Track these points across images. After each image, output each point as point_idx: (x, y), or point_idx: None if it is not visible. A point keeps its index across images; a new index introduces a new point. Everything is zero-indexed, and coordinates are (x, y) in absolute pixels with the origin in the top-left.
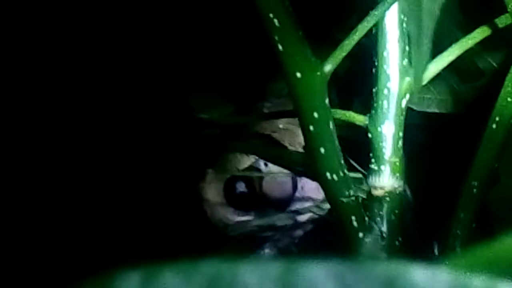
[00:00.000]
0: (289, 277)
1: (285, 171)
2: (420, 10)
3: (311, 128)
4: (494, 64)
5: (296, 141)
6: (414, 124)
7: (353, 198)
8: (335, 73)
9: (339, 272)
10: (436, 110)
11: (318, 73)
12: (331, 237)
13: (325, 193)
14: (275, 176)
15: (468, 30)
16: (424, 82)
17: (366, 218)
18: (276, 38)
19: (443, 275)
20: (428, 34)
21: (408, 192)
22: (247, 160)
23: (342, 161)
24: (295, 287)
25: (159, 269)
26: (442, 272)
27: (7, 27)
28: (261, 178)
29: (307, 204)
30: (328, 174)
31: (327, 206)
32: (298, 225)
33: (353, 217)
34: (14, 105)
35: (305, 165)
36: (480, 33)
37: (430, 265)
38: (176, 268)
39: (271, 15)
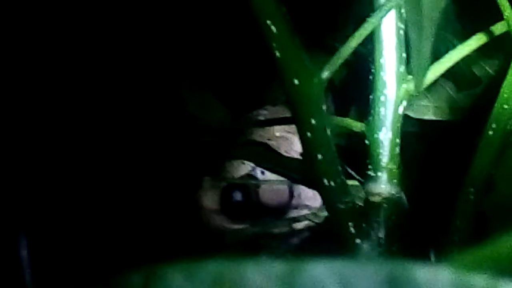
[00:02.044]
0: (293, 276)
1: (282, 178)
2: (421, 16)
3: (308, 134)
4: (491, 71)
5: (292, 149)
6: (411, 132)
7: (350, 204)
8: (332, 81)
9: (342, 272)
10: (433, 117)
11: (316, 80)
12: (327, 245)
13: (323, 200)
14: (271, 184)
15: (465, 37)
16: (421, 88)
17: (364, 224)
18: (274, 45)
19: (445, 274)
20: (429, 39)
21: (405, 198)
22: (243, 168)
23: (339, 168)
24: (299, 286)
25: (162, 268)
26: (444, 271)
27: (7, 27)
28: (258, 186)
29: (304, 212)
30: (325, 181)
31: (323, 213)
32: (294, 232)
33: (350, 223)
34: (12, 105)
35: (302, 171)
36: (476, 40)
37: (432, 264)
38: (180, 267)
39: (268, 22)
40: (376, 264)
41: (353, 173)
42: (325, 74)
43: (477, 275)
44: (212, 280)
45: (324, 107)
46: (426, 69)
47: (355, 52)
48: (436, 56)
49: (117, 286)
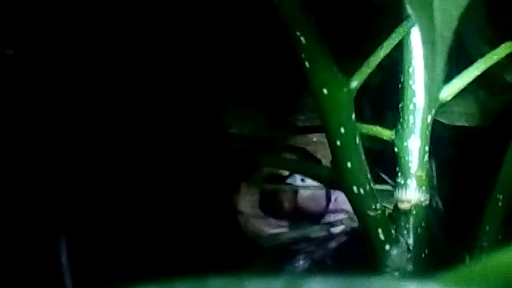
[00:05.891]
0: None
1: (319, 184)
2: (434, 34)
3: (338, 143)
4: None
5: (329, 154)
6: (443, 137)
7: (379, 211)
8: (367, 86)
9: None
10: (465, 124)
11: (345, 89)
12: (365, 249)
13: (352, 206)
14: (308, 189)
15: (496, 44)
16: (450, 97)
17: (393, 231)
18: (303, 55)
19: None
20: (442, 58)
21: (440, 204)
22: (281, 173)
23: (369, 175)
24: None
25: (170, 284)
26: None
27: (8, 28)
28: (295, 191)
29: (341, 216)
30: (355, 188)
31: None
32: (332, 237)
33: (379, 230)
34: (53, 108)
35: (332, 179)
36: (504, 49)
37: (422, 280)
38: (187, 283)
39: (298, 33)
40: (368, 281)
41: (386, 177)
42: (354, 84)
43: None
44: None
45: (353, 116)
46: (439, 87)
47: (391, 58)
48: (467, 62)
49: None
